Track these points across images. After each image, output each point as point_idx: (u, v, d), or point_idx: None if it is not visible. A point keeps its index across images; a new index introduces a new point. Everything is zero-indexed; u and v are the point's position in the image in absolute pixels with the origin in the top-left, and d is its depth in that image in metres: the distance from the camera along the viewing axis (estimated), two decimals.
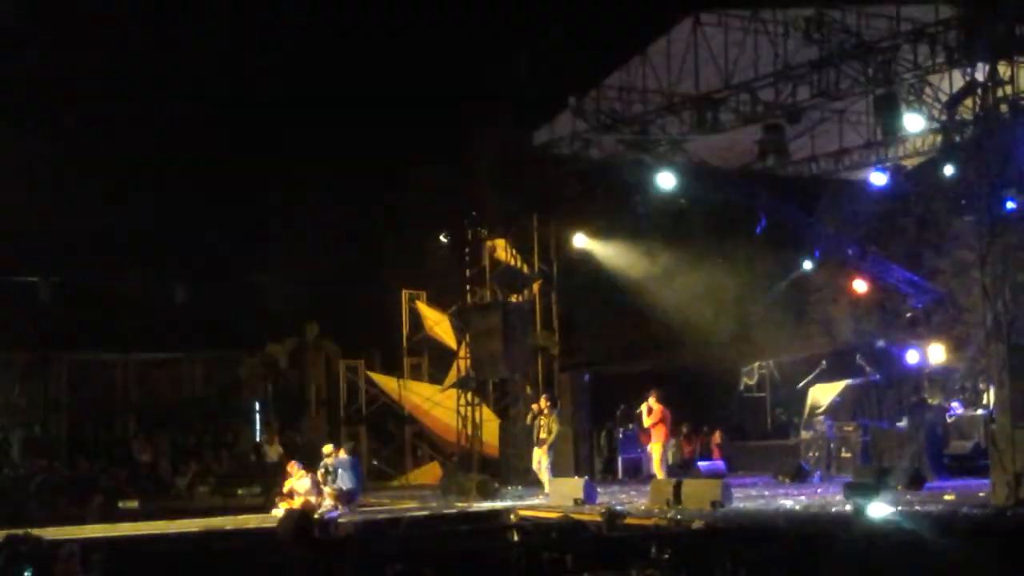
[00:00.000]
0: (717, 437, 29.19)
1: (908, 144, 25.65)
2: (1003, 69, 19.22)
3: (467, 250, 27.92)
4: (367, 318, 32.11)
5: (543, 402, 24.09)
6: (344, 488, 21.92)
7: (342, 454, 22.58)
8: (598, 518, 18.95)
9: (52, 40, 30.41)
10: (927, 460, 23.07)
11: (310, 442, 28.20)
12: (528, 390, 26.90)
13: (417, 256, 30.46)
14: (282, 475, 23.02)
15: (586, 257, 28.47)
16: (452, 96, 31.15)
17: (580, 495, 21.17)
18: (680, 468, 26.02)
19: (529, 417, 24.23)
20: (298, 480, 22.18)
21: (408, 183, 31.28)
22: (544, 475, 23.46)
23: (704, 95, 22.92)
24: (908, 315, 27.34)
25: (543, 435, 23.58)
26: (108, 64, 31.19)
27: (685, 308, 29.20)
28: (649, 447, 24.89)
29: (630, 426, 26.87)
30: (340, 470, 22.07)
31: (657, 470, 24.03)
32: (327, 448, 22.70)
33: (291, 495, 22.02)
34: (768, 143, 22.62)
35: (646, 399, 24.40)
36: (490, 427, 27.90)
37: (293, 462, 23.06)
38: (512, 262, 28.03)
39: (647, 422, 24.42)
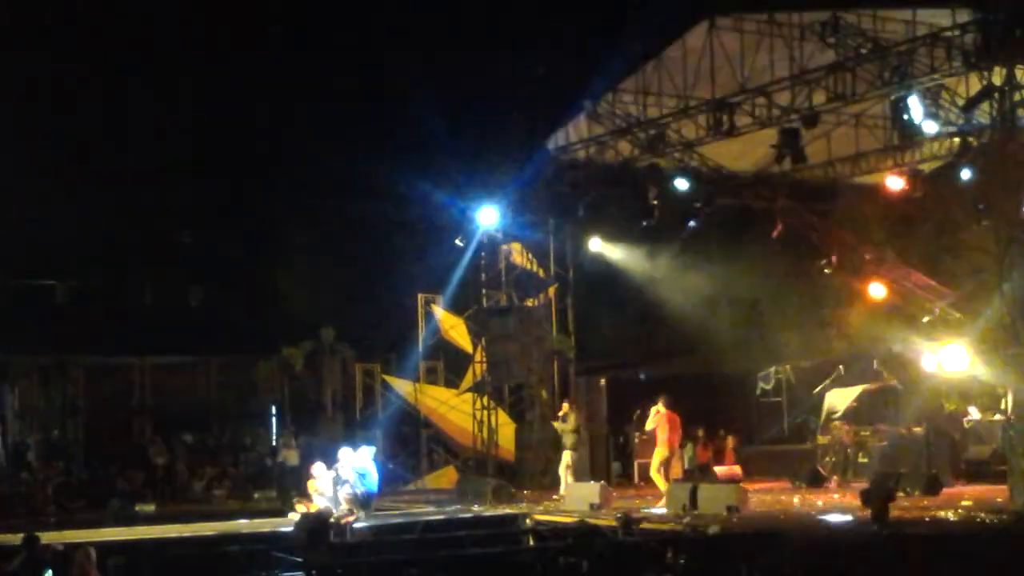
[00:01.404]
0: (732, 442, 29.08)
1: (925, 148, 25.55)
2: (1020, 73, 19.17)
3: (483, 254, 27.90)
4: (383, 322, 32.11)
5: (566, 406, 24.21)
6: (360, 492, 21.89)
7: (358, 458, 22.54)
8: (613, 523, 18.93)
9: (60, 42, 30.52)
10: (944, 466, 23.00)
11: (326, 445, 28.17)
12: (544, 394, 26.87)
13: (433, 259, 30.42)
14: (304, 477, 22.96)
15: (602, 261, 28.43)
16: (467, 99, 31.14)
17: (596, 499, 21.15)
18: (697, 473, 25.89)
19: (558, 424, 24.25)
20: (321, 482, 22.08)
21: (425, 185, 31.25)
22: (563, 475, 23.50)
23: (720, 99, 22.87)
24: (925, 319, 27.18)
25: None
26: (122, 68, 31.30)
27: (701, 312, 29.14)
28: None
29: (646, 430, 26.81)
30: (356, 474, 22.03)
31: (654, 475, 23.46)
32: (343, 452, 22.67)
33: (310, 497, 21.95)
34: (784, 147, 22.56)
35: (655, 403, 24.33)
36: (506, 431, 27.89)
37: (320, 463, 22.96)
38: (528, 266, 28.01)
39: (648, 425, 24.32)
